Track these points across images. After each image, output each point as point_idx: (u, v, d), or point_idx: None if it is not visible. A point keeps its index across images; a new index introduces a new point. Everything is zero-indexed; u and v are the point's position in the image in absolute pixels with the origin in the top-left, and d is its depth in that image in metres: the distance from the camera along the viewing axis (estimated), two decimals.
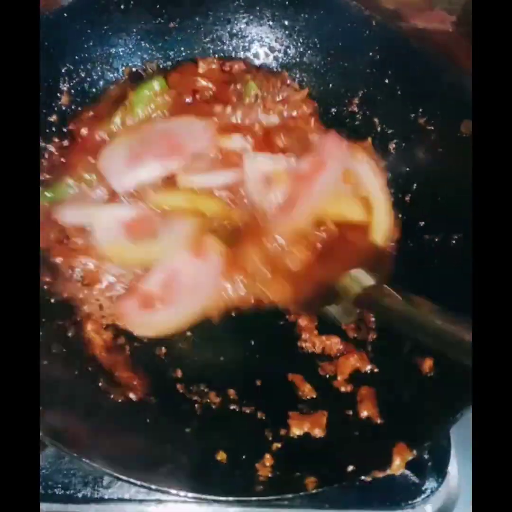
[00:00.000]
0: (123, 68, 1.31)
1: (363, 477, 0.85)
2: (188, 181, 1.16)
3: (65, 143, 1.22)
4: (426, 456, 1.11)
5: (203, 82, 1.30)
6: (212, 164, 1.18)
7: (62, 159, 1.19)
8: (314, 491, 0.83)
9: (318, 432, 0.95)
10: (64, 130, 1.22)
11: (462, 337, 0.77)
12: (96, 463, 0.82)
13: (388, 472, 0.85)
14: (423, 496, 1.09)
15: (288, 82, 1.36)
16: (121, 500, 1.05)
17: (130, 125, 1.24)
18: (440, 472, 1.11)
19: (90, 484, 1.05)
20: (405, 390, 0.99)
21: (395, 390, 0.99)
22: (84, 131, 1.21)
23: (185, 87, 1.29)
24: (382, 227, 1.15)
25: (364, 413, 0.97)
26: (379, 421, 0.95)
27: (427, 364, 0.99)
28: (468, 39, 1.09)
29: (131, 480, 0.82)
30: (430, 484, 1.10)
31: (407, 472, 1.10)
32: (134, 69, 1.32)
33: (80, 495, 1.04)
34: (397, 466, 0.85)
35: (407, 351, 1.04)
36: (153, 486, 0.82)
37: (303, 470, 0.87)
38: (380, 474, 0.85)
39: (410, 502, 1.09)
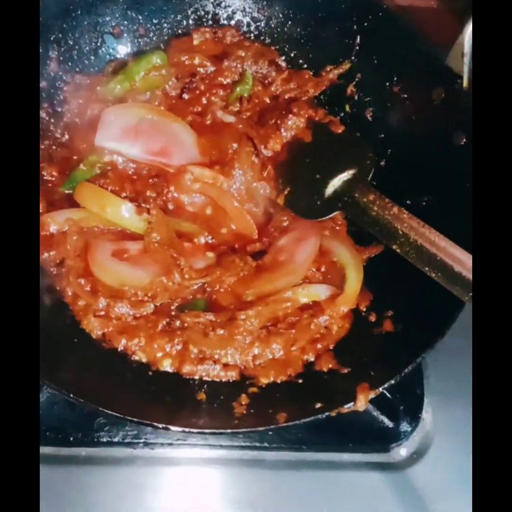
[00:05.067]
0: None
1: (328, 413, 0.92)
2: None
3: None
4: (399, 403, 1.17)
5: (199, 60, 1.33)
6: None
7: None
8: (284, 424, 0.90)
9: None
10: (57, 97, 1.28)
11: None
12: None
13: (352, 408, 0.92)
14: (397, 440, 1.16)
15: (277, 59, 1.40)
16: (111, 443, 1.11)
17: (135, 97, 1.27)
18: (414, 418, 1.18)
19: (81, 428, 1.11)
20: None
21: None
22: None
23: (183, 68, 1.33)
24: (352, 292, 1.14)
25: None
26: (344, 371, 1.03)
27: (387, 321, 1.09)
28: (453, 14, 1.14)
29: (118, 414, 0.88)
30: (403, 428, 1.17)
31: (382, 417, 1.16)
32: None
33: (71, 438, 1.10)
34: (361, 404, 0.92)
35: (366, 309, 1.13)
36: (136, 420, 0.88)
37: (275, 407, 0.94)
38: (345, 411, 0.92)
39: (384, 445, 1.16)
